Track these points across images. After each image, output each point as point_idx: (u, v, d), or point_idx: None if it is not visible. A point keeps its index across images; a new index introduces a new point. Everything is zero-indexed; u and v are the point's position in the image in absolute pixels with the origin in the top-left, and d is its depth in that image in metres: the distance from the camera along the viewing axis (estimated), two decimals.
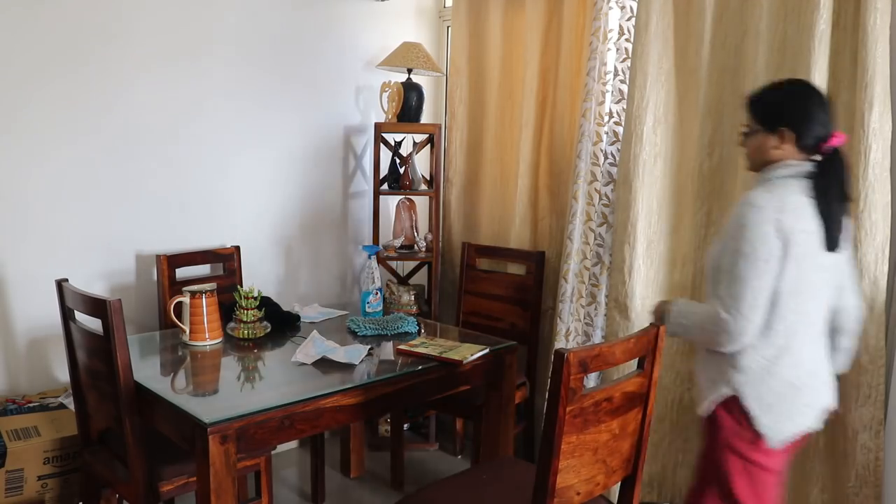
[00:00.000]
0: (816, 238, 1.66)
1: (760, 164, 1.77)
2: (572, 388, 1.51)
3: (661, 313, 1.85)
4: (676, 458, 2.59)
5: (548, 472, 1.54)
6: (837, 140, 1.69)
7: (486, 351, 2.30)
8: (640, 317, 2.57)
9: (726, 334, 1.66)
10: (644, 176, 2.53)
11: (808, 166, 1.70)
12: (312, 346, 2.28)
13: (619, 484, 1.84)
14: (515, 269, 3.16)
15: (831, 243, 1.68)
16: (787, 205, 1.64)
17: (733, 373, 1.71)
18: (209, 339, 2.33)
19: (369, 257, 2.73)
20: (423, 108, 3.33)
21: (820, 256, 1.68)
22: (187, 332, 2.32)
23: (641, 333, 1.69)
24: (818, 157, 1.71)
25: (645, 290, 2.58)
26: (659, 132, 2.54)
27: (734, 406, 1.72)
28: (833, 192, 1.68)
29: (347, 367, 2.16)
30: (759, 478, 1.73)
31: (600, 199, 2.80)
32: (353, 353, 2.23)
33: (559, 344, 2.86)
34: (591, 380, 2.73)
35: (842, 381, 2.16)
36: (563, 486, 1.58)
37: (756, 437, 1.70)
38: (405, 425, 3.40)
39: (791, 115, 1.70)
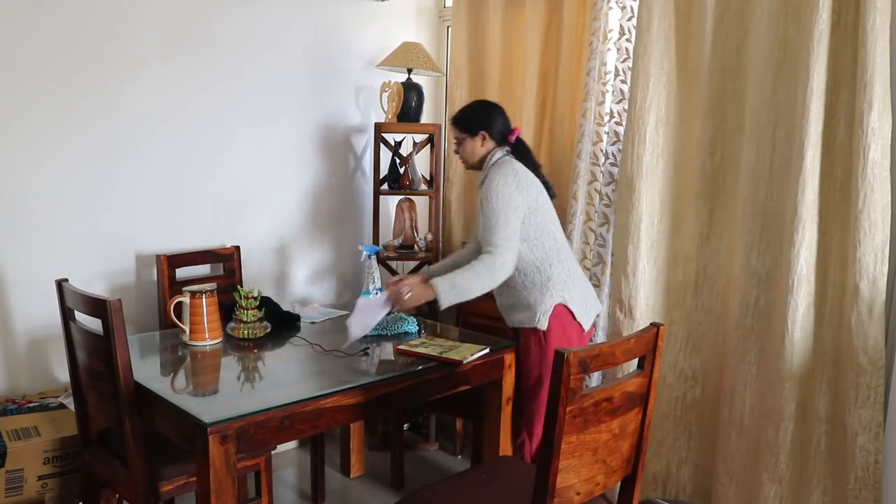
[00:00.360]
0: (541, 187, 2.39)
1: (477, 163, 2.46)
2: (572, 388, 1.51)
3: (419, 286, 2.25)
4: (680, 456, 2.59)
5: (548, 472, 1.54)
6: (517, 132, 2.46)
7: (486, 351, 2.30)
8: (645, 316, 2.57)
9: (502, 269, 2.25)
10: (647, 176, 2.53)
11: (506, 150, 2.45)
12: (364, 315, 2.29)
13: (619, 484, 1.84)
14: None
15: (551, 192, 2.45)
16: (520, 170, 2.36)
17: (552, 286, 2.33)
18: (209, 339, 2.32)
19: (369, 257, 2.73)
20: (423, 108, 3.33)
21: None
22: (187, 332, 2.32)
23: (641, 333, 1.69)
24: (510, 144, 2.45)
25: (648, 290, 2.58)
26: (661, 132, 2.54)
27: (563, 311, 2.35)
28: (528, 161, 2.41)
29: (347, 367, 2.17)
30: None
31: (601, 199, 2.80)
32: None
33: None
34: (594, 379, 2.73)
35: (841, 381, 2.16)
36: (563, 486, 1.58)
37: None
38: (405, 425, 3.40)
39: (482, 122, 2.43)
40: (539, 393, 2.33)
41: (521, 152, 2.45)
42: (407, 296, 2.23)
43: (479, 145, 2.43)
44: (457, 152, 2.50)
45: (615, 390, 1.65)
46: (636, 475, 1.81)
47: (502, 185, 2.27)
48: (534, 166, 2.43)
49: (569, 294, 2.33)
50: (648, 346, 1.71)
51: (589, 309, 2.39)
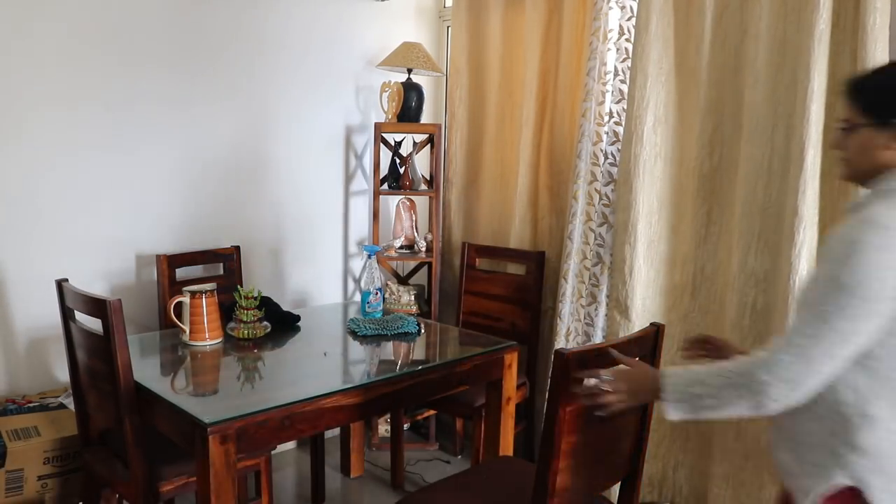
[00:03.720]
0: None
1: (867, 171, 1.36)
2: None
3: (637, 385, 1.45)
4: (677, 458, 2.59)
5: (547, 472, 1.55)
6: None
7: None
8: (641, 317, 2.57)
9: (773, 382, 1.26)
10: (644, 176, 2.53)
11: None
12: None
13: (619, 484, 1.84)
14: (515, 269, 3.16)
15: None
16: None
17: (852, 454, 1.25)
18: (209, 339, 2.32)
19: (369, 257, 2.73)
20: (423, 108, 3.33)
21: None
22: (187, 332, 2.32)
23: (641, 333, 1.70)
24: None
25: (645, 290, 2.58)
26: (659, 132, 2.54)
27: (851, 500, 1.26)
28: None
29: (347, 368, 2.17)
30: None
31: (600, 198, 2.80)
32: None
33: (559, 344, 2.86)
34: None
35: None
36: (562, 486, 1.58)
37: None
38: (405, 425, 3.40)
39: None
40: None
41: None
42: (609, 406, 1.46)
43: (884, 145, 1.33)
44: (837, 145, 1.42)
45: None
46: (636, 475, 1.81)
47: (881, 242, 1.22)
48: None
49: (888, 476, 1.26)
50: (648, 346, 1.71)
51: None
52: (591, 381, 1.47)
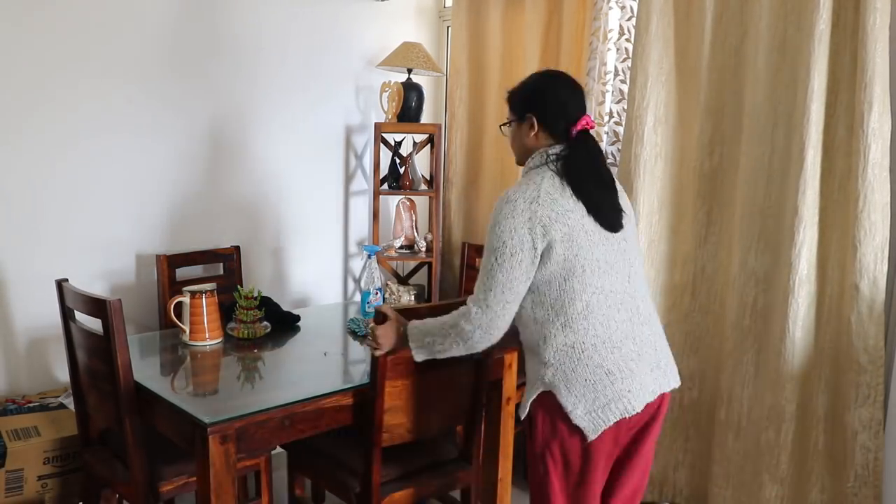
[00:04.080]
0: (584, 216, 1.62)
1: (523, 156, 1.77)
2: None
3: (390, 339, 1.82)
4: (677, 458, 2.59)
5: (374, 409, 2.09)
6: (583, 123, 1.69)
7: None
8: None
9: (473, 329, 1.64)
10: (645, 176, 2.53)
11: (558, 150, 1.68)
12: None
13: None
14: None
15: (605, 224, 1.64)
16: (542, 192, 1.61)
17: (543, 368, 1.63)
18: (209, 339, 2.32)
19: (369, 257, 2.73)
20: (423, 108, 3.33)
21: (599, 233, 1.64)
22: (187, 332, 2.31)
23: (449, 302, 1.77)
24: (568, 142, 1.70)
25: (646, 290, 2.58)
26: (659, 132, 2.54)
27: (547, 401, 1.63)
28: (585, 174, 1.66)
29: (347, 368, 2.17)
30: (578, 478, 1.64)
31: None
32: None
33: None
34: None
35: (840, 380, 2.16)
36: (392, 422, 2.13)
37: (573, 431, 1.60)
38: None
39: (535, 102, 1.72)
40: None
41: (578, 156, 1.68)
42: (376, 352, 1.87)
43: (525, 134, 1.75)
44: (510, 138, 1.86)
45: None
46: (475, 426, 2.21)
47: (507, 211, 1.62)
48: (595, 183, 1.68)
49: (566, 379, 1.62)
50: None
51: (602, 410, 1.60)
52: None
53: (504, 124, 1.83)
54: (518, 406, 1.85)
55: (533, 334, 1.67)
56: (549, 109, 1.71)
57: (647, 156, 2.52)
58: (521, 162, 1.79)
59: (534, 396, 1.66)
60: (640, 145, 2.52)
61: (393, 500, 2.04)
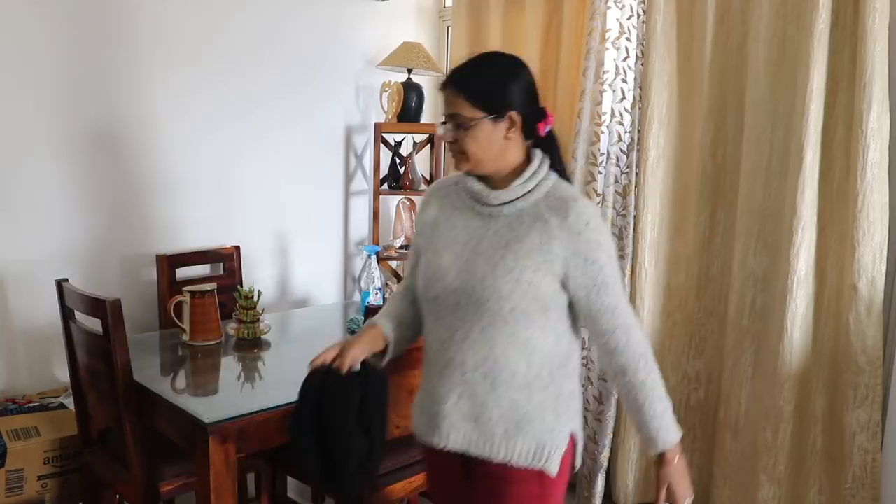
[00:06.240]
0: None
1: (495, 162, 1.42)
2: None
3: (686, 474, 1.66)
4: (684, 458, 2.59)
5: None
6: (552, 119, 1.47)
7: None
8: (646, 319, 2.57)
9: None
10: (648, 177, 2.53)
11: (540, 153, 1.46)
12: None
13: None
14: None
15: None
16: None
17: (562, 403, 1.51)
18: (209, 339, 2.33)
19: (369, 257, 2.73)
20: (423, 108, 3.33)
21: None
22: (187, 332, 2.32)
23: None
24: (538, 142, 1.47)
25: (649, 291, 2.58)
26: (662, 133, 2.54)
27: (570, 445, 1.53)
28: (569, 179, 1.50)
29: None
30: None
31: (601, 200, 2.80)
32: None
33: None
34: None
35: (839, 381, 2.17)
36: None
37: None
38: None
39: (514, 94, 1.40)
40: None
41: (559, 161, 1.50)
42: None
43: (503, 136, 1.41)
44: (452, 141, 1.42)
45: None
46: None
47: (601, 216, 1.44)
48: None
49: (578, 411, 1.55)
50: None
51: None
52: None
53: (459, 124, 1.39)
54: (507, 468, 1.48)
55: (545, 362, 1.44)
56: (532, 103, 1.43)
57: (650, 157, 2.53)
58: (486, 170, 1.43)
59: (566, 444, 1.48)
60: (644, 146, 2.52)
61: (392, 491, 2.03)
